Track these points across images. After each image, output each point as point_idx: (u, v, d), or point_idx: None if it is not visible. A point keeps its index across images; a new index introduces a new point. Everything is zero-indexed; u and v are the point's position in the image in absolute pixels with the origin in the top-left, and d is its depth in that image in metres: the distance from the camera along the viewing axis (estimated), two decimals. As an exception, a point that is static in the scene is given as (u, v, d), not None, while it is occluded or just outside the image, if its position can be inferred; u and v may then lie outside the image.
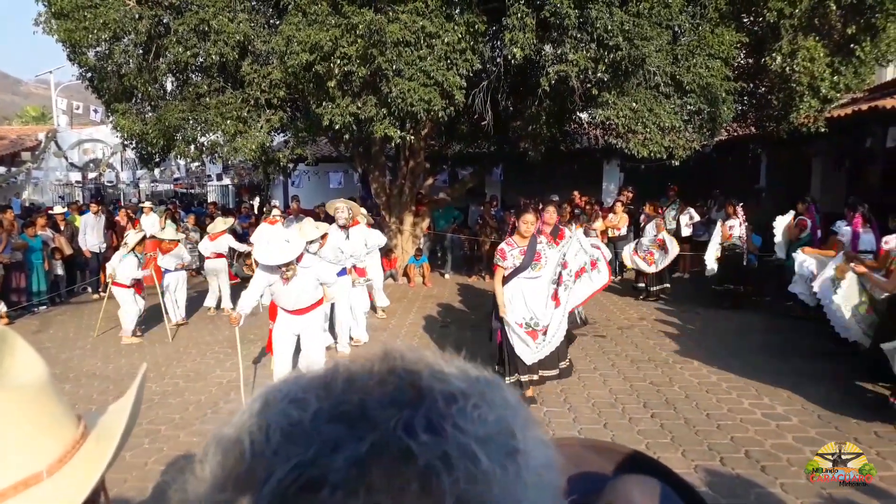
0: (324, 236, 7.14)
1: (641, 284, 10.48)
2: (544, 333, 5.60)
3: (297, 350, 5.87)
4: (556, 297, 5.68)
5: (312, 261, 5.72)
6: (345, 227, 7.80)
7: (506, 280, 5.56)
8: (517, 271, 5.50)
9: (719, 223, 9.87)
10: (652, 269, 10.20)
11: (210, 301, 10.05)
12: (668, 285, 10.34)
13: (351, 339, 7.82)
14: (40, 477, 0.74)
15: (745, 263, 9.47)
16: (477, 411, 0.40)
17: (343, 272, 7.35)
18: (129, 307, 8.43)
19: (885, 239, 6.25)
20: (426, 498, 0.36)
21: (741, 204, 9.69)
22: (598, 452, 0.77)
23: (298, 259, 5.42)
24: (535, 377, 5.69)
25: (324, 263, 6.09)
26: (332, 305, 7.40)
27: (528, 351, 5.55)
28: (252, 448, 0.39)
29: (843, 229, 7.81)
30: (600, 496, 0.66)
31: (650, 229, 10.57)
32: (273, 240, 5.59)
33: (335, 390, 0.41)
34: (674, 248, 10.20)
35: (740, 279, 9.53)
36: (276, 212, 10.77)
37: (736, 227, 9.47)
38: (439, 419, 0.39)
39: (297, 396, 0.41)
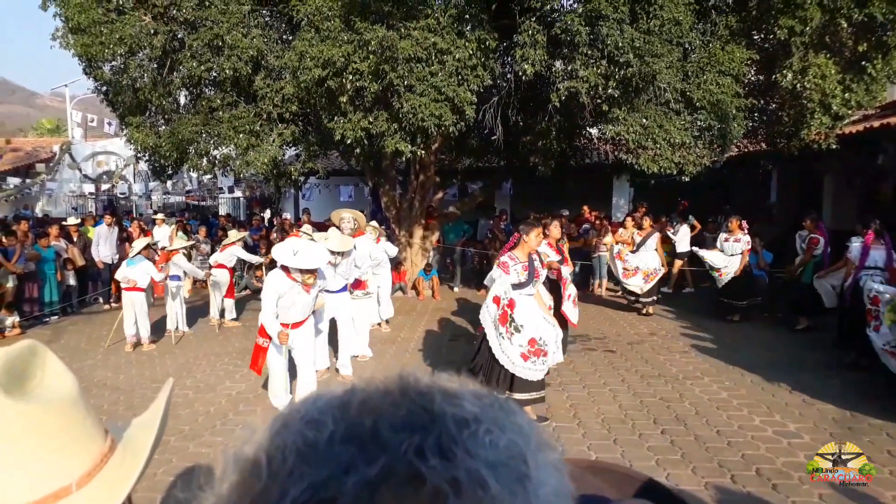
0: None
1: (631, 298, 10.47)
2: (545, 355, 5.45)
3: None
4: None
5: (322, 272, 5.83)
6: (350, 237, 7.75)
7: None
8: (519, 287, 5.45)
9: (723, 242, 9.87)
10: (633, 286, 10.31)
11: (213, 312, 10.08)
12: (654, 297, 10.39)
13: (355, 356, 7.62)
14: (69, 490, 0.75)
15: (749, 279, 9.55)
16: (489, 436, 0.41)
17: (344, 288, 7.24)
18: (142, 310, 8.57)
19: None
20: None
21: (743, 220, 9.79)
22: (596, 473, 0.77)
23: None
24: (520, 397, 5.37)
25: (328, 272, 6.16)
26: (334, 322, 7.26)
27: (532, 370, 5.39)
28: (269, 468, 0.40)
29: (854, 245, 7.77)
30: None
31: (650, 244, 10.60)
32: (301, 246, 5.62)
33: (350, 412, 0.42)
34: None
35: (743, 295, 9.56)
36: (306, 227, 10.59)
37: (742, 242, 9.52)
38: (450, 443, 0.39)
39: (314, 417, 0.42)
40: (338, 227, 7.57)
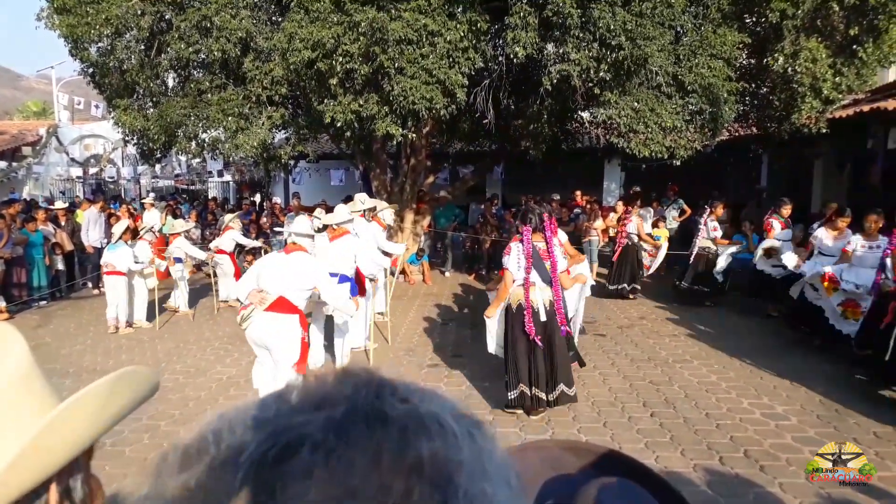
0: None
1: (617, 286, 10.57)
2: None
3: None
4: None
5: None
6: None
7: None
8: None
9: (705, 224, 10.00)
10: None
11: (224, 294, 10.07)
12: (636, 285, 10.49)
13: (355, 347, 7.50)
14: None
15: (716, 265, 9.79)
16: (437, 400, 0.42)
17: (347, 279, 6.89)
18: (122, 294, 8.64)
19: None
20: (403, 456, 0.36)
21: (710, 205, 10.03)
22: (575, 454, 0.77)
23: None
24: (542, 394, 5.21)
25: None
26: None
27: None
28: (217, 440, 0.38)
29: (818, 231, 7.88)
30: (574, 500, 0.66)
31: (631, 228, 10.70)
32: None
33: (293, 398, 0.41)
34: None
35: (709, 280, 9.80)
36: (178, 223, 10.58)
37: (704, 228, 9.81)
38: (406, 395, 0.41)
39: (256, 407, 0.41)
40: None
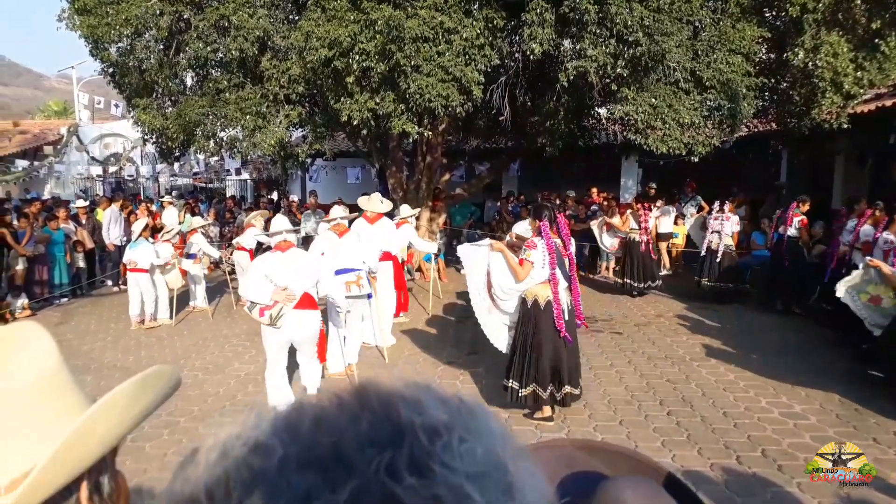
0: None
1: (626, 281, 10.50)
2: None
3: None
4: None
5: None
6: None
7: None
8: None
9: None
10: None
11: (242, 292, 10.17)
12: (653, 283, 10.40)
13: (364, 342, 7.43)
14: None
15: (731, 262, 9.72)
16: (464, 445, 0.36)
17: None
18: (146, 290, 8.84)
19: None
20: None
21: (730, 201, 10.09)
22: (590, 452, 0.77)
23: None
24: (557, 391, 5.14)
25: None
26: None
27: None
28: (210, 498, 0.35)
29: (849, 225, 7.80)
30: (592, 498, 0.66)
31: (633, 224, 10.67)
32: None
33: (302, 432, 0.36)
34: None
35: (731, 277, 9.69)
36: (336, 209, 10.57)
37: (728, 224, 9.69)
38: (424, 458, 0.35)
39: (259, 441, 0.36)
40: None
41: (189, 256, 9.76)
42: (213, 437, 0.39)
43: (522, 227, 5.47)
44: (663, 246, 12.21)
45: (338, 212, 7.10)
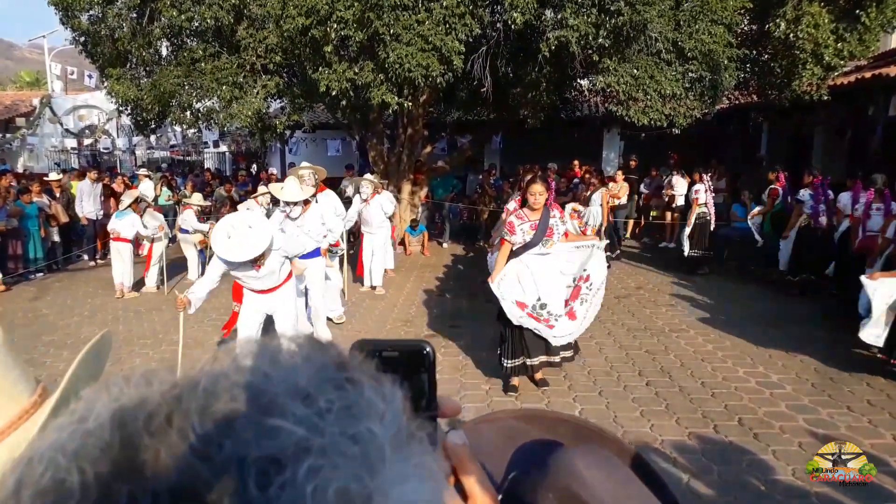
0: (306, 202, 6.36)
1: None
2: (550, 327, 5.01)
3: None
4: (571, 311, 5.09)
5: (280, 241, 5.03)
6: (312, 195, 7.02)
7: (513, 255, 5.04)
8: (526, 247, 4.97)
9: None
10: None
11: None
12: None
13: (330, 319, 7.21)
14: None
15: (711, 230, 9.74)
16: (314, 482, 0.27)
17: (316, 252, 6.47)
18: (128, 261, 9.02)
19: None
20: None
21: (710, 173, 10.11)
22: (533, 422, 0.75)
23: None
24: (549, 359, 5.12)
25: (290, 238, 5.43)
26: (306, 291, 6.57)
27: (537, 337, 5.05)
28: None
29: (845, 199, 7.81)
30: (542, 470, 0.64)
31: (596, 198, 10.59)
32: (235, 229, 4.68)
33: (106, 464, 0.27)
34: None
35: (709, 245, 9.75)
36: (195, 197, 10.35)
37: (701, 193, 9.63)
38: None
39: (60, 465, 0.28)
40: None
41: (184, 232, 9.75)
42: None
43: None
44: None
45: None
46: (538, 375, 5.30)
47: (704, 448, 4.24)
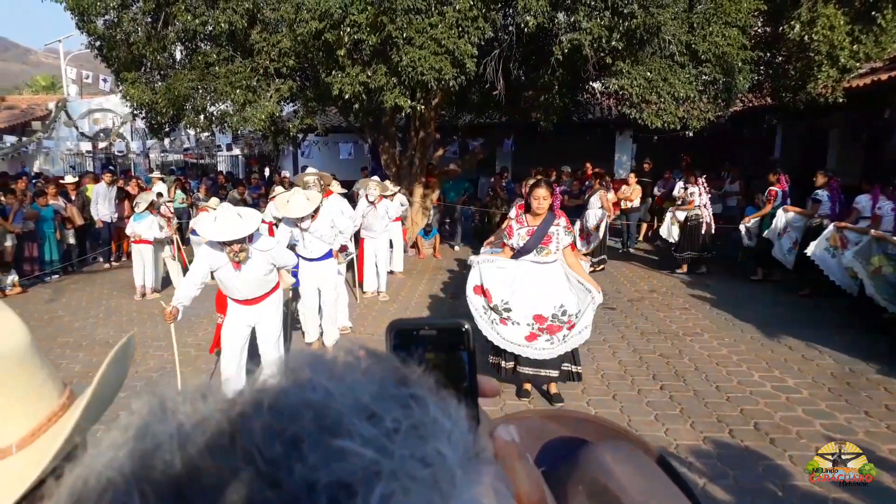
0: (316, 210, 6.15)
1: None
2: (503, 322, 4.84)
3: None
4: (532, 334, 4.81)
5: (269, 242, 4.93)
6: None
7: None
8: (520, 253, 4.85)
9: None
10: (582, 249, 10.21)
11: None
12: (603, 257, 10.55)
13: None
14: (9, 451, 0.71)
15: (703, 231, 9.87)
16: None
17: (328, 255, 6.41)
18: (148, 262, 9.19)
19: None
20: None
21: (705, 176, 10.20)
22: (559, 421, 0.75)
23: (250, 239, 4.60)
24: (525, 371, 4.90)
25: (281, 246, 5.25)
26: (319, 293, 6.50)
27: (515, 345, 4.82)
28: None
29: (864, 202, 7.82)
30: (571, 464, 0.64)
31: (594, 201, 10.52)
32: (222, 213, 4.66)
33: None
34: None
35: (701, 246, 9.91)
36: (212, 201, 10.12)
37: (696, 196, 9.77)
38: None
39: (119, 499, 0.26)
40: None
41: (194, 234, 9.80)
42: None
43: None
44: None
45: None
46: (552, 389, 5.06)
47: (720, 453, 4.21)
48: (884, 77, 9.59)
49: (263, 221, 9.35)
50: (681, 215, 9.90)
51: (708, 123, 9.25)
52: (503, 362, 4.99)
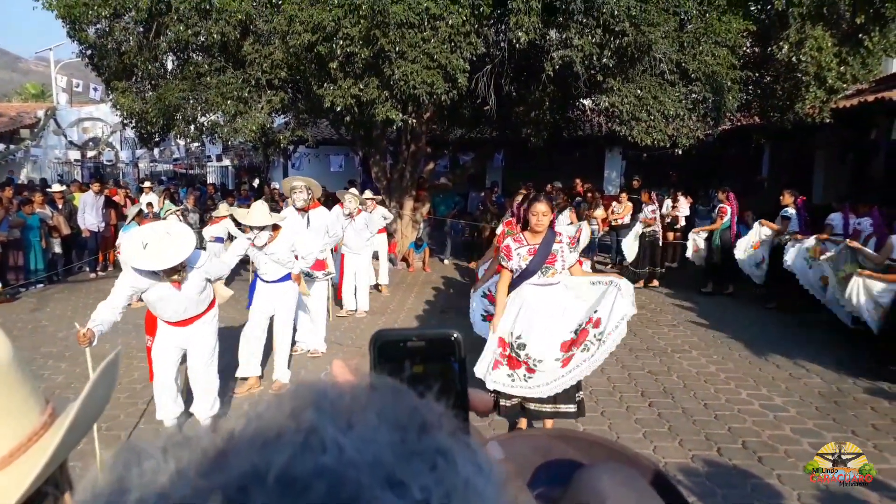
0: (276, 228, 5.64)
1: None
2: (531, 371, 4.25)
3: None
4: (567, 359, 4.24)
5: (201, 257, 4.45)
6: (303, 210, 6.87)
7: (512, 286, 4.36)
8: (523, 276, 4.29)
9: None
10: None
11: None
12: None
13: (307, 350, 6.78)
14: None
15: (660, 245, 10.57)
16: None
17: (286, 277, 5.77)
18: None
19: None
20: None
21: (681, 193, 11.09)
22: (566, 442, 0.74)
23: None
24: (533, 407, 4.35)
25: (214, 259, 4.75)
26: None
27: (511, 384, 4.31)
28: None
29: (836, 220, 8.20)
30: (567, 486, 0.63)
31: (563, 219, 10.55)
32: (150, 237, 4.14)
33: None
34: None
35: (655, 261, 10.45)
36: (222, 207, 9.95)
37: (647, 212, 10.36)
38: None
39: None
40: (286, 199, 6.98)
41: (218, 240, 9.70)
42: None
43: None
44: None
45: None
46: (548, 424, 4.44)
47: (708, 471, 4.19)
48: (870, 98, 9.72)
49: (220, 238, 9.19)
50: (701, 239, 10.12)
51: (697, 141, 9.32)
52: (503, 400, 4.38)
